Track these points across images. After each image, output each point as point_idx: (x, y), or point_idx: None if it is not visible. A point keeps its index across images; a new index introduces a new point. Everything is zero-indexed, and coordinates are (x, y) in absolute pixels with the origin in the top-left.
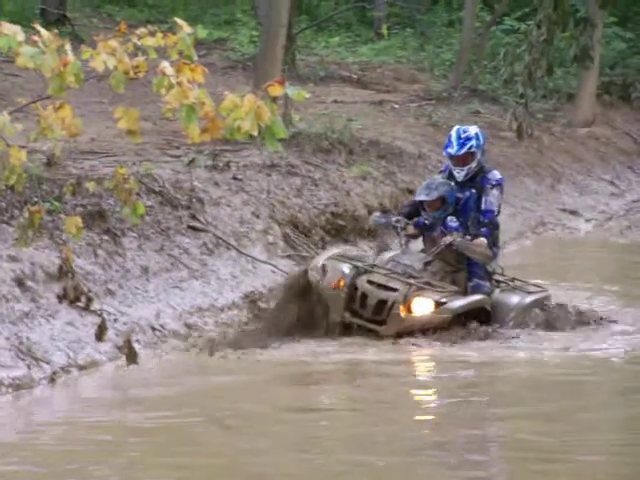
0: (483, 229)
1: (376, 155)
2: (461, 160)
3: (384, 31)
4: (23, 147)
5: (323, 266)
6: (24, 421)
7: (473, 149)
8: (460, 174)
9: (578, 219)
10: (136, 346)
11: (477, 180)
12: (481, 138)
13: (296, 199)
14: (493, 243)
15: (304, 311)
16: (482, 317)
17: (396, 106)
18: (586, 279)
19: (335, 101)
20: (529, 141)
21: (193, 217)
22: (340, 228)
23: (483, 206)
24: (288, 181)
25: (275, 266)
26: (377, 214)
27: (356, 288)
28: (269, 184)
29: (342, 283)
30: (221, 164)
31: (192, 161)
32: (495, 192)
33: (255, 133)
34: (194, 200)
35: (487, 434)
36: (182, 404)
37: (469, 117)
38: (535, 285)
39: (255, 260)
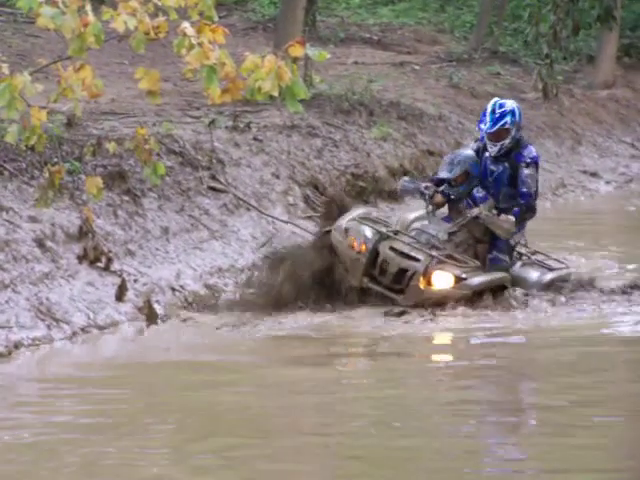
0: (516, 209)
1: (396, 116)
2: (494, 136)
3: None
4: (43, 108)
5: (346, 229)
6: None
7: (507, 125)
8: (493, 149)
9: (598, 181)
10: (156, 307)
11: (511, 155)
12: (517, 114)
13: (316, 160)
14: (522, 219)
15: (323, 273)
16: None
17: (417, 67)
18: (603, 245)
19: (355, 62)
20: (550, 103)
21: (213, 178)
22: (360, 189)
23: (520, 187)
24: (308, 142)
25: (297, 225)
26: (406, 179)
27: (377, 254)
28: (289, 145)
29: (364, 247)
30: (241, 125)
31: (212, 122)
32: (529, 171)
33: (276, 94)
34: (214, 161)
35: (515, 404)
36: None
37: (490, 78)
38: (557, 260)
39: (275, 221)
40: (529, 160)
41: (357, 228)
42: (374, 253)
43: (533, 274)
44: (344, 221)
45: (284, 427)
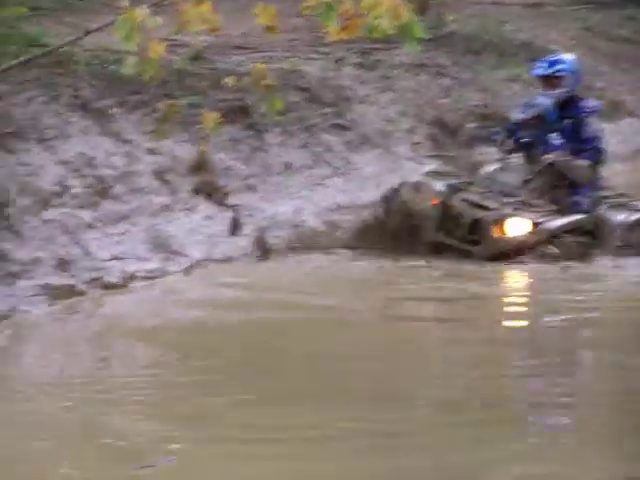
0: (585, 154)
1: (527, 58)
2: (549, 82)
3: None
4: (166, 40)
5: (417, 183)
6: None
7: (562, 73)
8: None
9: None
10: (274, 242)
11: (572, 110)
12: (574, 65)
13: (444, 99)
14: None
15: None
16: (583, 237)
17: (552, 9)
18: None
19: (494, 3)
20: None
21: (338, 115)
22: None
23: (583, 134)
24: (437, 81)
25: (422, 164)
26: (477, 125)
27: (450, 206)
28: (417, 83)
29: (436, 201)
30: (370, 62)
31: (341, 58)
32: (591, 120)
33: (392, 32)
34: (340, 98)
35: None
36: None
37: (625, 23)
38: None
39: (399, 159)
40: (589, 110)
41: (428, 182)
42: (446, 206)
43: (618, 215)
44: (414, 175)
45: None
